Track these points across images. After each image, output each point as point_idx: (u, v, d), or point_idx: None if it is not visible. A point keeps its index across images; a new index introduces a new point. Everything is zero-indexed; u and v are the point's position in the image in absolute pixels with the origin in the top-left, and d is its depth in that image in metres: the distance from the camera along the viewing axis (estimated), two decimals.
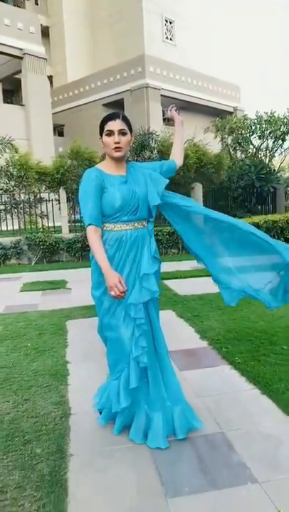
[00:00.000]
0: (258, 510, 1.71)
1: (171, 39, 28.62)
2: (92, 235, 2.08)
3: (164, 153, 10.29)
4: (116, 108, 25.34)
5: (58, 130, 27.16)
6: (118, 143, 2.12)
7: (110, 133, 2.13)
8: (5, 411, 2.56)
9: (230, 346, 3.48)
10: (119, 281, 1.99)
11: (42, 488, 1.86)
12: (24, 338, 3.95)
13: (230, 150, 15.64)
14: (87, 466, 2.02)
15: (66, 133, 26.78)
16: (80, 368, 3.20)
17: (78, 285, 6.43)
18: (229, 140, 15.55)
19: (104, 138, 2.16)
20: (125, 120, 2.16)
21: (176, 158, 2.41)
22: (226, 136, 15.30)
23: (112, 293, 1.99)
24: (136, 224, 2.18)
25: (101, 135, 2.20)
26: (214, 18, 30.36)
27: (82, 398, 2.70)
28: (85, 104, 25.70)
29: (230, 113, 28.11)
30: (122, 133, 2.13)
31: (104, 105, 25.07)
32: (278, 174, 13.92)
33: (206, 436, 2.22)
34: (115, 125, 2.12)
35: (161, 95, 23.44)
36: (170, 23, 28.43)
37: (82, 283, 6.63)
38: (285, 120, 14.45)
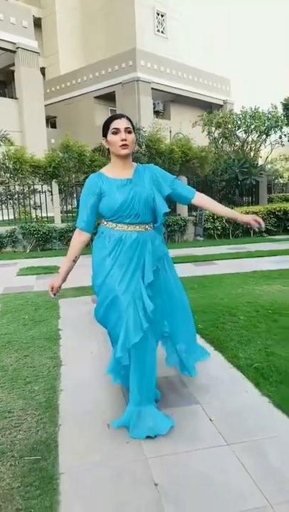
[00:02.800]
0: (196, 419, 2.38)
1: (162, 32, 28.94)
2: (76, 236, 2.30)
3: (151, 147, 10.89)
4: (107, 101, 25.78)
5: (51, 122, 27.49)
6: (125, 140, 2.16)
7: (117, 131, 2.17)
8: (9, 363, 3.21)
9: (196, 317, 4.11)
10: (52, 288, 2.38)
11: (40, 409, 2.51)
12: (22, 312, 4.59)
13: (218, 143, 16.25)
14: (74, 396, 2.68)
15: (59, 125, 27.15)
16: (70, 334, 3.85)
17: None
18: (216, 134, 16.14)
19: (111, 136, 2.20)
20: (130, 120, 2.24)
21: (205, 200, 2.38)
22: (213, 130, 15.88)
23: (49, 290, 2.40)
24: (137, 227, 2.23)
25: (105, 135, 2.24)
26: (206, 11, 30.66)
27: (71, 354, 3.35)
28: (77, 96, 26.05)
29: (221, 106, 28.63)
30: (128, 131, 2.18)
31: (96, 98, 25.48)
32: (263, 167, 14.53)
33: (167, 378, 2.88)
34: (122, 123, 2.18)
35: (152, 88, 23.88)
36: (162, 16, 28.72)
37: (73, 269, 7.28)
38: (269, 115, 15.08)
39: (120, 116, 2.23)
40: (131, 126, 2.21)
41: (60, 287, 2.41)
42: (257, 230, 2.33)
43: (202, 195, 2.39)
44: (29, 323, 4.17)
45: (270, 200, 17.70)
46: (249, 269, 6.48)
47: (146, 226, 2.26)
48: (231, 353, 3.22)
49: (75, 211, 11.71)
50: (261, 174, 13.10)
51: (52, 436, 2.23)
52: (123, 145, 2.17)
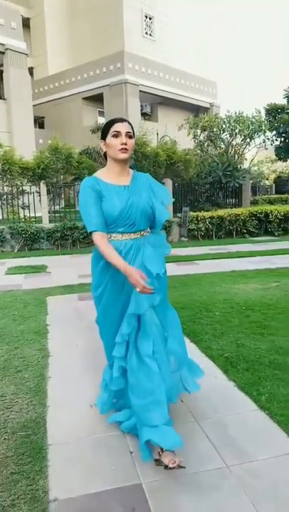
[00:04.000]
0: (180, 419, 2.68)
1: (150, 34, 29.27)
2: (100, 240, 2.05)
3: (137, 150, 11.18)
4: (96, 102, 26.00)
5: (39, 122, 27.61)
6: (125, 144, 2.09)
7: (117, 134, 2.10)
8: (1, 354, 3.46)
9: None
10: (141, 277, 1.94)
11: (30, 393, 2.79)
12: (11, 308, 4.84)
13: (203, 146, 16.62)
14: (61, 382, 2.96)
15: (47, 125, 27.28)
16: (57, 329, 4.12)
17: (57, 269, 7.34)
18: (202, 137, 16.51)
19: (110, 139, 2.12)
20: (131, 125, 2.17)
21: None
22: (199, 133, 16.24)
23: (138, 289, 1.93)
24: (132, 235, 2.15)
25: (104, 138, 2.17)
26: (193, 14, 31.09)
27: (58, 347, 3.63)
28: (65, 97, 26.22)
29: (207, 108, 29.09)
30: (128, 135, 2.12)
31: (84, 99, 25.68)
32: (249, 169, 14.94)
33: None
34: (123, 127, 2.11)
35: (140, 91, 24.18)
36: (150, 18, 29.05)
37: (61, 268, 7.57)
38: (253, 120, 15.50)
39: (122, 120, 2.16)
40: (132, 132, 2.16)
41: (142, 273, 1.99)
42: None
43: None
44: (18, 319, 4.43)
45: (255, 202, 18.15)
46: (228, 268, 6.83)
47: (143, 232, 2.20)
48: (205, 344, 3.54)
49: (63, 211, 11.94)
50: (244, 177, 13.50)
51: (41, 415, 2.51)
52: (123, 149, 2.09)
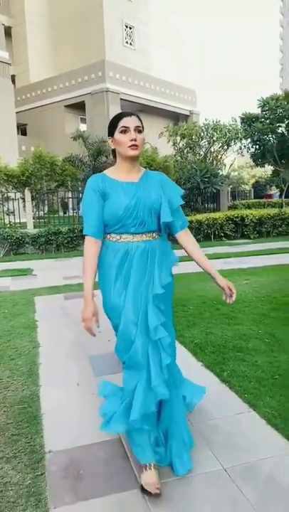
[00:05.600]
0: None
1: (131, 44, 29.93)
2: (87, 247, 1.98)
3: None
4: (78, 110, 26.42)
5: (21, 129, 27.85)
6: (135, 140, 1.94)
7: (126, 129, 1.95)
8: None
9: None
10: (93, 315, 1.92)
11: (23, 376, 3.18)
12: (1, 307, 5.20)
13: (183, 153, 17.23)
14: (51, 367, 3.36)
15: (29, 132, 27.55)
16: (46, 324, 4.51)
17: (43, 272, 7.72)
18: (181, 144, 17.11)
19: (118, 136, 1.97)
20: (139, 118, 2.02)
21: (194, 249, 2.13)
22: (178, 140, 16.83)
23: (83, 325, 1.89)
24: (144, 236, 2.00)
25: (112, 134, 2.01)
26: (172, 24, 31.90)
27: (47, 339, 4.02)
28: (47, 104, 26.58)
29: (187, 116, 29.83)
30: (138, 130, 1.97)
31: (66, 106, 26.08)
32: (228, 175, 15.56)
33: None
34: (131, 121, 1.96)
35: (121, 99, 24.72)
36: (130, 28, 29.71)
37: (46, 270, 7.95)
38: (230, 128, 16.17)
39: (130, 113, 2.02)
40: (141, 125, 2.00)
41: (96, 313, 1.96)
42: (225, 299, 2.11)
43: (189, 233, 2.16)
44: (9, 316, 4.80)
45: (234, 207, 18.79)
46: None
47: (154, 234, 2.05)
48: (178, 333, 3.96)
49: (47, 217, 12.30)
50: (221, 183, 14.09)
51: (35, 392, 2.91)
52: (132, 145, 1.94)
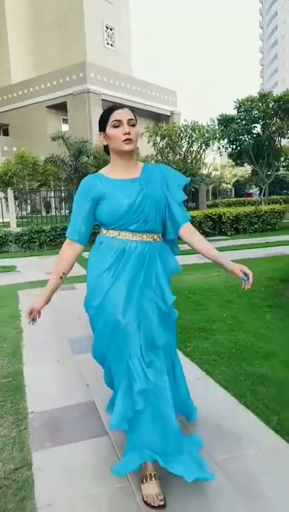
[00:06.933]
0: None
1: (112, 45, 30.23)
2: (63, 249, 1.93)
3: (98, 158, 12.00)
4: (59, 110, 26.61)
5: (3, 129, 27.92)
6: (128, 133, 1.82)
7: (118, 123, 1.83)
8: None
9: None
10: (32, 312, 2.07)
11: (8, 356, 3.52)
12: None
13: (163, 153, 17.63)
14: (33, 349, 3.71)
15: (11, 132, 27.62)
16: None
17: (26, 269, 8.04)
18: (161, 144, 17.52)
19: (110, 130, 1.84)
20: (132, 111, 1.91)
21: (199, 242, 1.98)
22: (158, 140, 17.24)
23: (26, 312, 2.08)
24: (144, 236, 1.86)
25: (103, 130, 1.89)
26: (153, 25, 32.32)
27: (30, 325, 4.35)
28: (29, 105, 26.70)
29: (168, 116, 30.28)
30: (131, 124, 1.84)
31: (48, 107, 26.25)
32: (208, 174, 16.02)
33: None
34: (124, 114, 1.84)
35: (103, 100, 25.02)
36: (111, 29, 30.02)
37: (30, 267, 8.26)
38: (208, 128, 16.65)
39: (121, 106, 1.90)
40: (134, 118, 1.88)
41: (40, 310, 2.06)
42: (244, 286, 1.84)
43: (191, 226, 2.01)
44: None
45: (215, 205, 19.31)
46: (181, 263, 7.64)
47: (155, 236, 1.91)
48: None
49: (30, 216, 12.57)
50: (200, 182, 14.54)
51: (19, 369, 3.26)
52: (126, 139, 1.82)
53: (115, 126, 1.83)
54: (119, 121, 1.83)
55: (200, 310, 4.58)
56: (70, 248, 1.93)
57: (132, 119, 1.85)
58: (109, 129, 1.85)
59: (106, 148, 1.97)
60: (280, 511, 1.72)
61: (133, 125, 1.86)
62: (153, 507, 1.70)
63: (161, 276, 1.89)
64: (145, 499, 1.74)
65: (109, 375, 1.96)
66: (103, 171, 1.95)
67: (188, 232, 1.99)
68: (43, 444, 2.24)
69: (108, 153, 1.97)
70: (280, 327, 3.91)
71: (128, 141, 1.83)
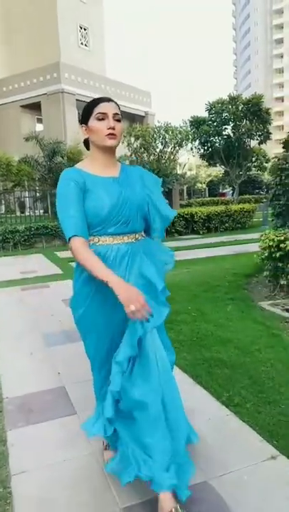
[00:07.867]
0: None
1: (86, 45, 30.26)
2: (80, 249, 1.61)
3: (72, 159, 12.16)
4: (34, 110, 26.50)
5: None
6: (113, 128, 1.73)
7: (103, 116, 1.73)
8: None
9: None
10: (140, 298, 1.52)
11: None
12: None
13: (138, 153, 17.88)
14: (8, 342, 3.91)
15: None
16: (4, 309, 5.03)
17: (0, 268, 8.17)
18: (135, 145, 17.77)
19: (94, 123, 1.75)
20: (118, 106, 1.80)
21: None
22: (132, 141, 17.48)
23: (132, 310, 1.48)
24: (125, 238, 1.77)
25: (85, 122, 1.78)
26: (127, 26, 32.51)
27: (5, 320, 4.55)
28: (2, 104, 26.47)
29: (143, 117, 30.56)
30: (116, 118, 1.76)
31: (22, 107, 26.10)
32: (183, 175, 16.36)
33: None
34: (110, 108, 1.75)
35: (77, 100, 25.07)
36: (84, 29, 30.06)
37: (4, 267, 8.49)
38: (181, 129, 17.01)
39: (108, 99, 1.80)
40: (120, 114, 1.79)
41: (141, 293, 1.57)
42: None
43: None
44: None
45: (189, 205, 19.74)
46: None
47: (137, 235, 1.82)
48: None
49: (4, 216, 12.60)
50: (174, 182, 14.88)
51: None
52: (110, 134, 1.73)
53: (99, 119, 1.74)
54: (105, 114, 1.74)
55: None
56: (84, 245, 1.64)
57: (117, 114, 1.77)
58: (92, 122, 1.76)
59: (86, 143, 1.88)
60: (229, 470, 2.00)
61: (118, 120, 1.77)
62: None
63: (147, 269, 1.74)
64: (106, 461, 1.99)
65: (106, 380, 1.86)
66: (81, 166, 1.83)
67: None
68: (16, 424, 2.47)
69: (88, 147, 1.88)
70: (238, 317, 4.24)
71: (112, 135, 1.74)
